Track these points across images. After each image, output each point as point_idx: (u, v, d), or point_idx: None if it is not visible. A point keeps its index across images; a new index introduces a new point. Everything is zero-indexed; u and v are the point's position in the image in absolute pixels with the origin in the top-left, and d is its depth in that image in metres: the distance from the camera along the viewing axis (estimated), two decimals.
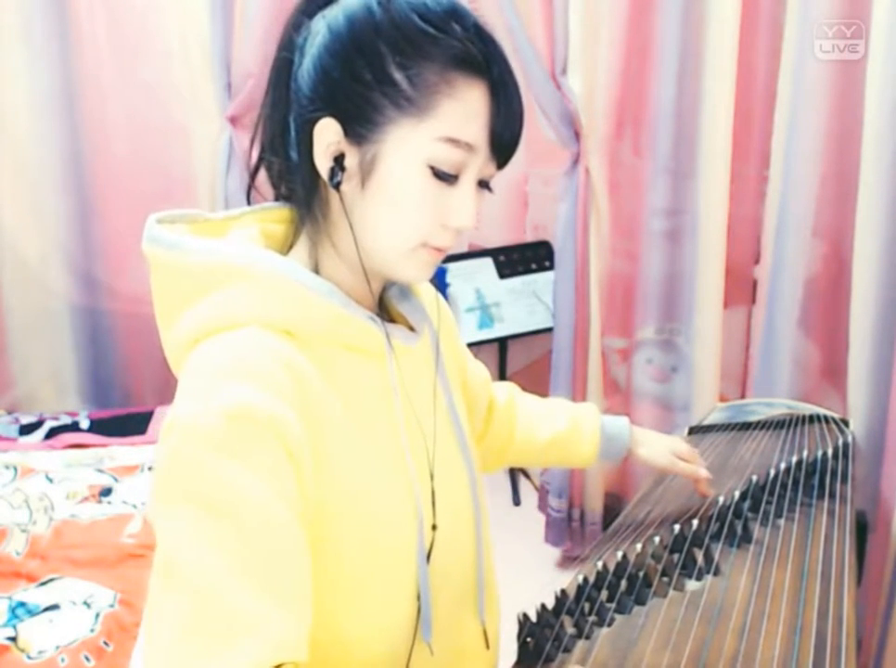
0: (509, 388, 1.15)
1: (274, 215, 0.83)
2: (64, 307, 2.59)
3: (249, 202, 0.85)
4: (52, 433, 2.26)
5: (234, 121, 2.38)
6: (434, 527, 0.80)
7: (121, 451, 2.16)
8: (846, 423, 1.59)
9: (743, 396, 2.25)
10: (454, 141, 0.72)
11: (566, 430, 1.13)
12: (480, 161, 0.75)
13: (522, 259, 3.07)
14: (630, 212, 2.29)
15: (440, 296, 0.95)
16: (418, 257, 0.76)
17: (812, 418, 1.59)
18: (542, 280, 3.02)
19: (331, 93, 0.73)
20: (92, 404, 2.64)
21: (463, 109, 0.72)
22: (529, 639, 0.88)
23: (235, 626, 0.61)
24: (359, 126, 0.73)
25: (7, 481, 2.00)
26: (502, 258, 3.05)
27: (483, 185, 0.78)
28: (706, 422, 1.74)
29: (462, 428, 0.88)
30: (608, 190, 2.24)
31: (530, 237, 3.25)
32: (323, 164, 0.74)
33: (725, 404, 1.90)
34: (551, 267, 2.84)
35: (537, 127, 2.25)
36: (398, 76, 0.71)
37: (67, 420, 2.34)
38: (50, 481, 1.99)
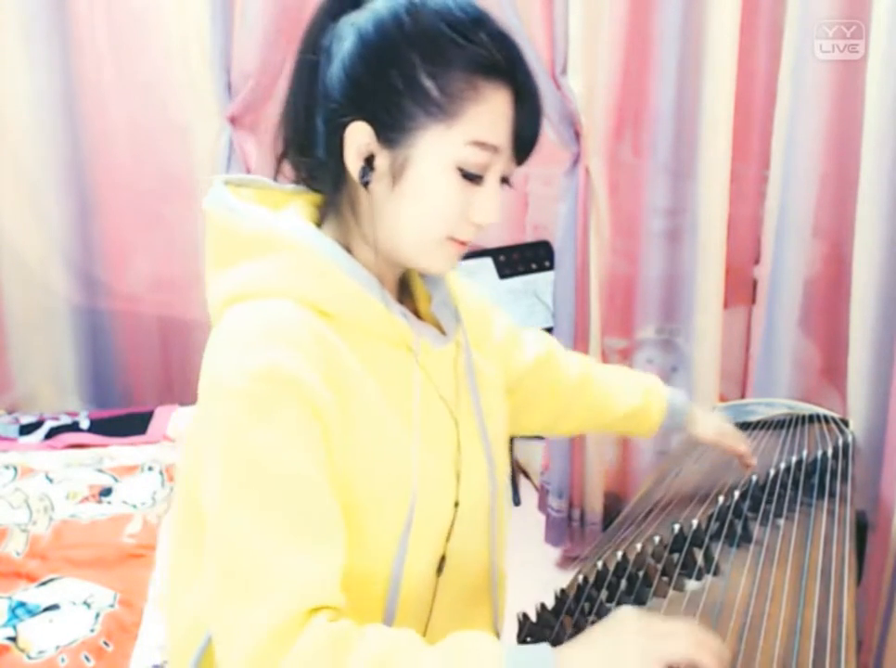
0: (583, 360, 1.15)
1: (319, 197, 0.86)
2: (64, 307, 2.59)
3: None
4: (52, 433, 2.26)
5: (234, 121, 2.38)
6: (457, 503, 0.84)
7: (121, 451, 2.16)
8: (846, 423, 1.59)
9: (743, 396, 2.25)
10: (481, 144, 0.76)
11: (639, 404, 1.15)
12: (504, 161, 0.78)
13: (522, 259, 3.07)
14: (630, 212, 2.28)
15: (469, 287, 0.99)
16: (444, 250, 0.80)
17: (812, 418, 1.59)
18: (542, 280, 3.01)
19: (362, 99, 0.76)
20: (92, 404, 2.63)
21: (489, 113, 0.76)
22: (529, 639, 0.88)
23: (262, 578, 0.66)
24: (390, 131, 0.76)
25: (7, 481, 2.00)
26: (502, 258, 3.04)
27: (504, 180, 0.81)
28: None
29: (486, 428, 0.90)
30: (607, 190, 2.24)
31: (530, 237, 3.24)
32: (354, 164, 0.78)
33: (725, 404, 1.89)
34: (551, 267, 2.83)
35: None
36: (428, 84, 0.74)
37: (67, 420, 2.34)
38: (50, 481, 1.99)
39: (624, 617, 0.69)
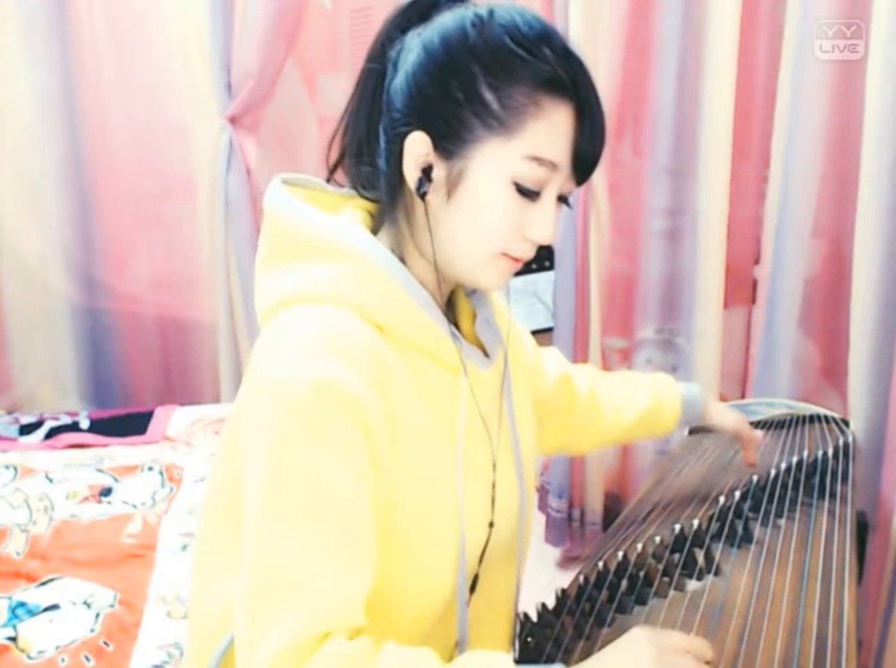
0: (588, 375, 1.18)
1: (371, 204, 0.86)
2: (64, 307, 2.59)
3: None
4: (52, 433, 2.26)
5: (234, 121, 2.38)
6: (491, 524, 0.84)
7: (121, 451, 2.16)
8: (846, 423, 1.59)
9: (743, 396, 2.25)
10: (538, 160, 0.75)
11: (648, 407, 1.17)
12: (562, 178, 0.78)
13: None
14: (630, 212, 2.28)
15: (511, 314, 0.99)
16: (496, 265, 0.79)
17: (813, 418, 1.59)
18: (542, 280, 3.01)
19: (423, 109, 0.76)
20: (92, 404, 2.63)
21: (549, 129, 0.75)
22: (529, 639, 0.88)
23: (290, 594, 0.67)
24: (449, 142, 0.76)
25: (7, 481, 2.00)
26: None
27: (562, 199, 0.80)
28: None
29: (519, 449, 0.91)
30: (607, 190, 2.24)
31: None
32: (411, 174, 0.77)
33: (725, 405, 1.89)
34: (551, 267, 2.83)
35: None
36: (488, 96, 0.74)
37: (67, 420, 2.33)
38: (50, 481, 1.99)
39: (638, 639, 0.69)
